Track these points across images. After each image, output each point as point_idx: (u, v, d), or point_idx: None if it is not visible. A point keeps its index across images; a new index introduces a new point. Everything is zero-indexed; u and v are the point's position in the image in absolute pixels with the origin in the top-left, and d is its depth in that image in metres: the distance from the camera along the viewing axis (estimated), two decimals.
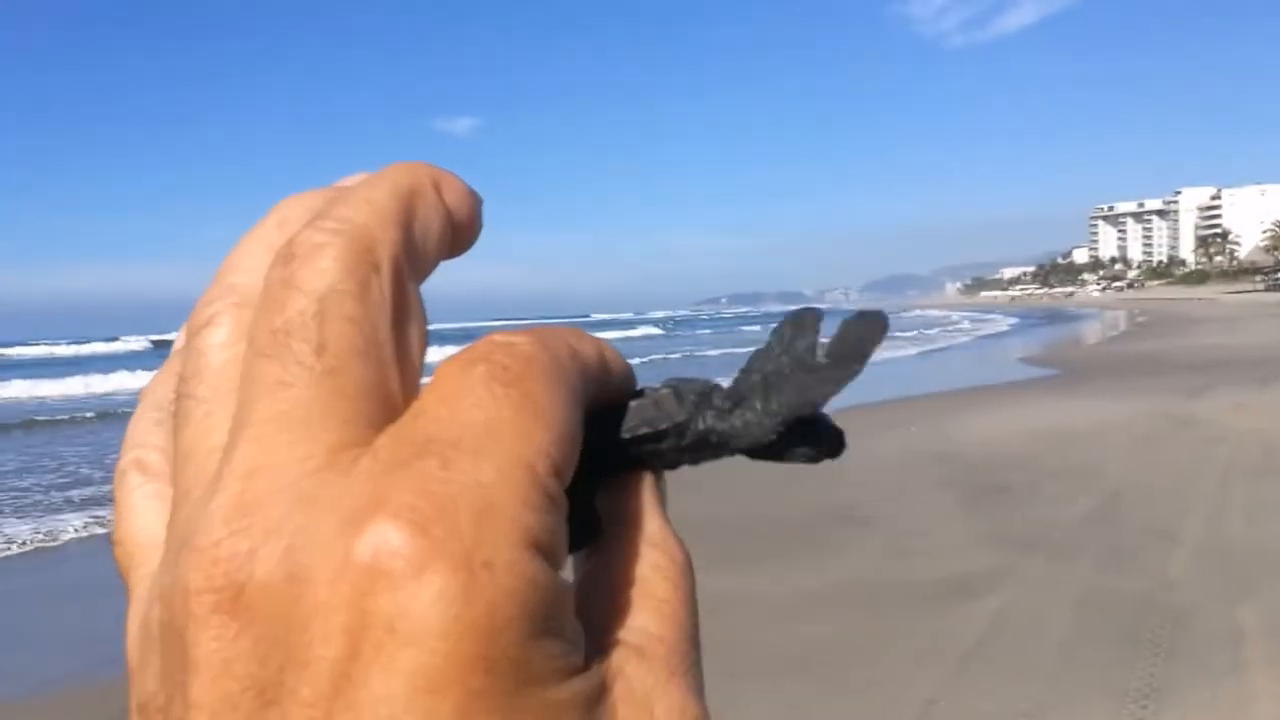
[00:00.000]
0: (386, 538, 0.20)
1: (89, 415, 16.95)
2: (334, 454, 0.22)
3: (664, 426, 0.28)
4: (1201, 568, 5.17)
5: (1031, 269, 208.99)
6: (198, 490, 0.23)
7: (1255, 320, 34.94)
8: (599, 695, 0.22)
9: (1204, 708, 3.57)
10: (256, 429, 0.22)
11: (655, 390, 0.29)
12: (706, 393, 0.28)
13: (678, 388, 0.29)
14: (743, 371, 0.28)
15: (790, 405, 0.26)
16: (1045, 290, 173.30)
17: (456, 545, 0.20)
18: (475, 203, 0.29)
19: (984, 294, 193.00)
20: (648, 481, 0.28)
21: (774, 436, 0.27)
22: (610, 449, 0.27)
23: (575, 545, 0.29)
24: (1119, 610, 4.62)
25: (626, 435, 0.27)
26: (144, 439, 0.28)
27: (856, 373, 0.26)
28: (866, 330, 0.26)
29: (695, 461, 0.29)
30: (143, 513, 0.27)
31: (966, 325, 46.49)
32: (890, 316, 0.27)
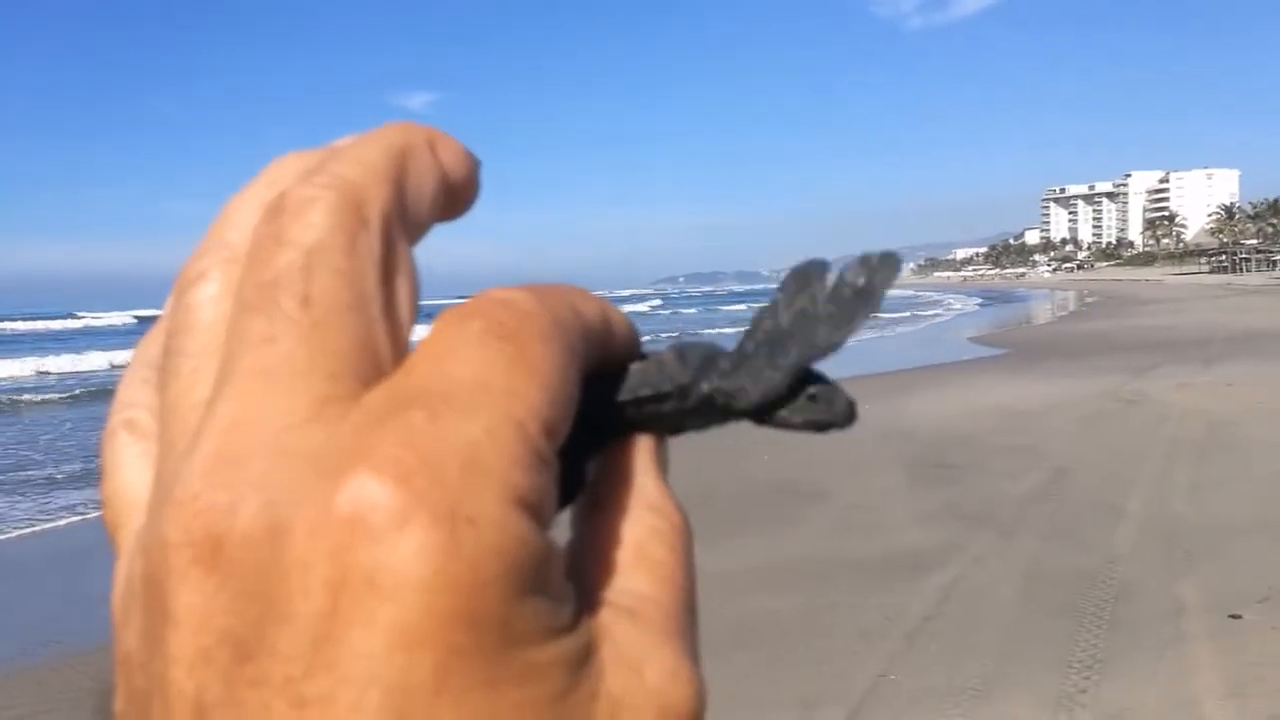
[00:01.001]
0: (367, 490, 0.20)
1: None
2: (318, 408, 0.22)
3: (666, 389, 0.27)
4: (1145, 543, 5.30)
5: (984, 250, 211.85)
6: (180, 444, 0.23)
7: (1199, 301, 35.82)
8: (585, 656, 0.22)
9: (1145, 680, 3.67)
10: (240, 383, 0.22)
11: (659, 353, 0.29)
12: (712, 355, 0.28)
13: (681, 349, 0.28)
14: (747, 332, 0.27)
15: (800, 354, 0.26)
16: (997, 271, 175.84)
17: (440, 499, 0.20)
18: (472, 164, 0.28)
19: (937, 274, 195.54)
20: (648, 445, 0.28)
21: (784, 390, 0.27)
22: (610, 411, 0.27)
23: (559, 506, 0.29)
24: (1065, 584, 4.72)
25: (626, 397, 0.27)
26: (134, 398, 0.28)
27: (868, 314, 0.25)
28: (878, 269, 0.25)
29: (701, 427, 0.29)
30: (130, 472, 0.27)
31: (956, 305, 47.47)
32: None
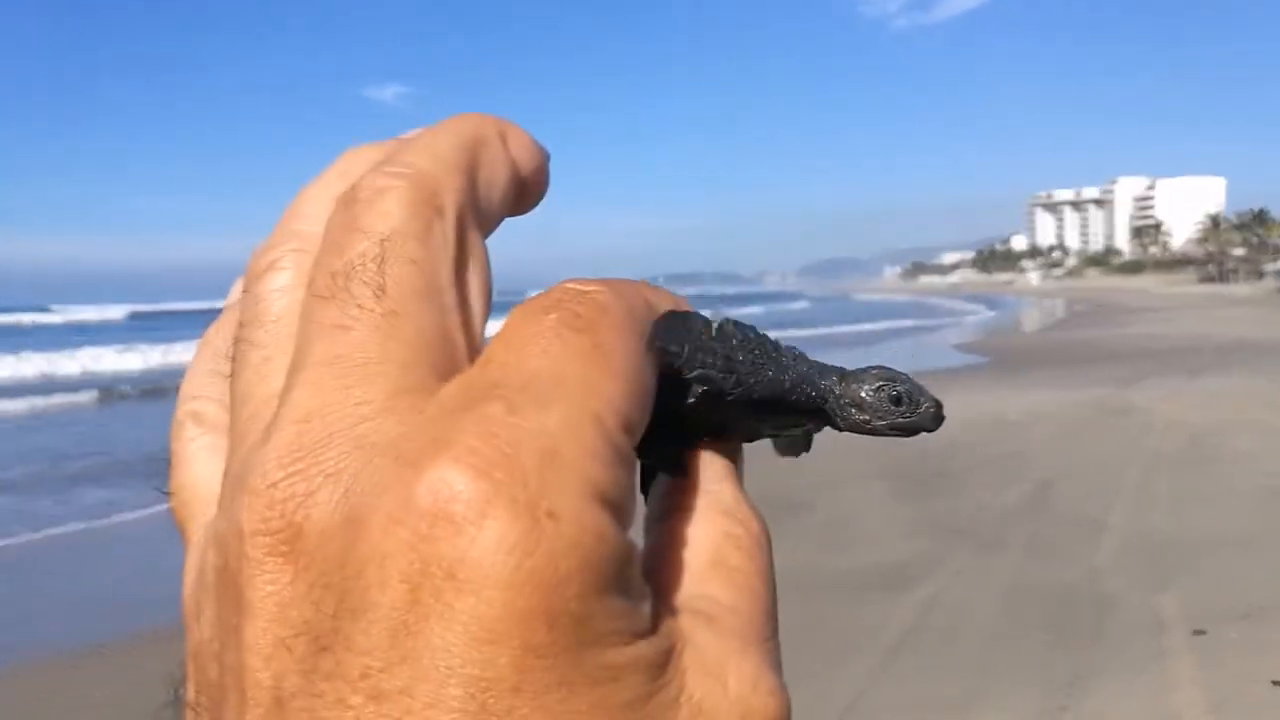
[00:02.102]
0: (447, 480, 0.20)
1: None
2: (392, 398, 0.22)
3: (732, 389, 0.27)
4: (1127, 556, 5.33)
5: (971, 254, 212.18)
6: (253, 435, 0.23)
7: (1186, 311, 35.97)
8: (664, 661, 0.21)
9: (1126, 696, 3.70)
10: (313, 372, 0.22)
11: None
12: (771, 348, 0.28)
13: (756, 348, 0.28)
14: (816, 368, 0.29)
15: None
16: (986, 277, 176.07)
17: (520, 492, 0.20)
18: (542, 157, 0.28)
19: (924, 279, 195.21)
20: (724, 450, 0.28)
21: (861, 393, 0.28)
22: (685, 412, 0.27)
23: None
24: (1047, 599, 4.75)
25: (695, 399, 0.27)
26: (201, 390, 0.28)
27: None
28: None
29: (776, 432, 0.30)
30: (199, 464, 0.27)
31: (981, 309, 47.55)
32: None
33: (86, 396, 14.91)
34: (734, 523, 0.26)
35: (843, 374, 0.30)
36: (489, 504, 0.19)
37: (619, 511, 0.21)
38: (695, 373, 0.26)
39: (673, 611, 0.23)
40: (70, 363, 21.46)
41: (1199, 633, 4.21)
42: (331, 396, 0.22)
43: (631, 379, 0.23)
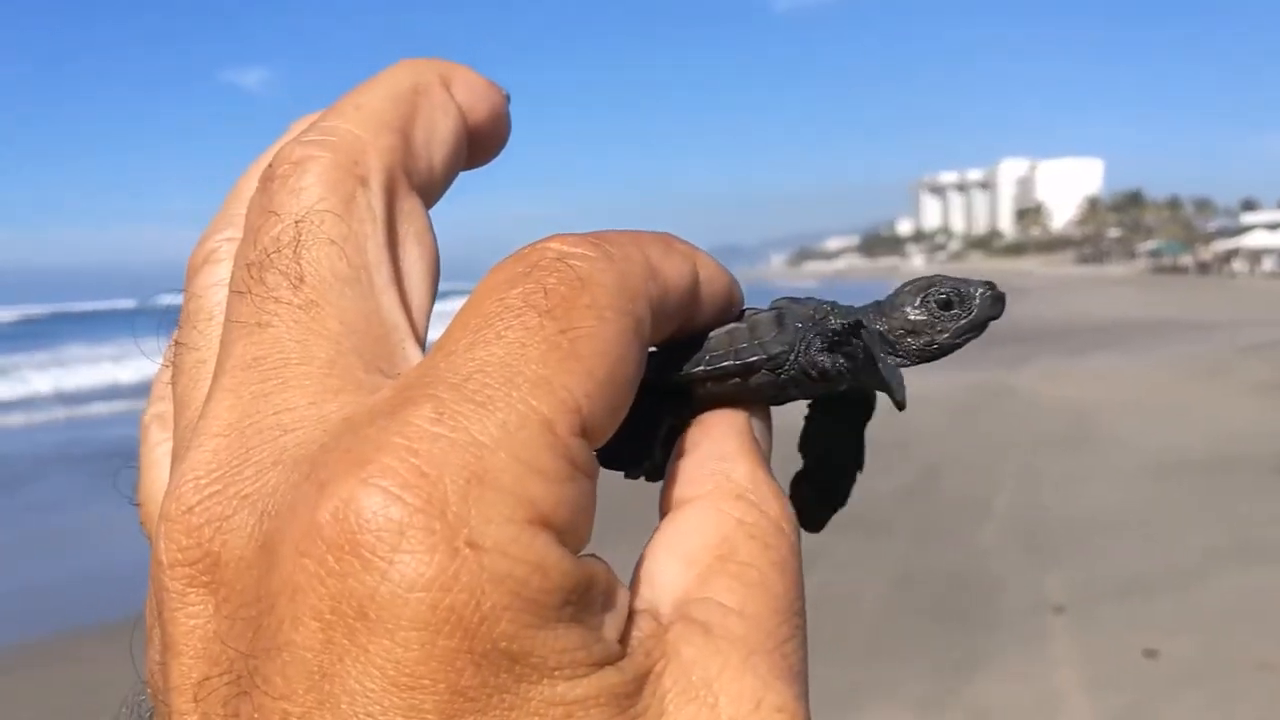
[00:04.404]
0: (355, 506, 0.18)
1: None
2: (316, 402, 0.20)
3: (753, 359, 0.25)
4: (1012, 538, 5.55)
5: (856, 240, 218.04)
6: (182, 448, 0.22)
7: (1065, 292, 37.77)
8: (637, 688, 0.20)
9: (1011, 677, 3.84)
10: (231, 378, 0.21)
11: (756, 314, 0.26)
12: (821, 316, 0.26)
13: (781, 313, 0.26)
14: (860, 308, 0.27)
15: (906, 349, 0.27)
16: (870, 262, 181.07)
17: (437, 520, 0.18)
18: (497, 98, 0.26)
19: (809, 265, 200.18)
20: (736, 423, 0.26)
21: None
22: (693, 384, 0.25)
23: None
24: (935, 584, 4.90)
25: (700, 370, 0.25)
26: (166, 391, 0.26)
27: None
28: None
29: (806, 395, 0.27)
30: (161, 471, 0.25)
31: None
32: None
33: None
34: (747, 507, 0.24)
35: (878, 307, 0.27)
36: (401, 534, 0.18)
37: (565, 531, 0.19)
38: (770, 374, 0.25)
39: (665, 623, 0.21)
40: None
41: (1074, 609, 4.39)
42: (250, 405, 0.20)
43: (604, 370, 0.20)
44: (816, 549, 5.60)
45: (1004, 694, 3.73)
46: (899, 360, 0.27)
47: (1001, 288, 0.28)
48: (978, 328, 0.27)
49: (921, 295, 0.27)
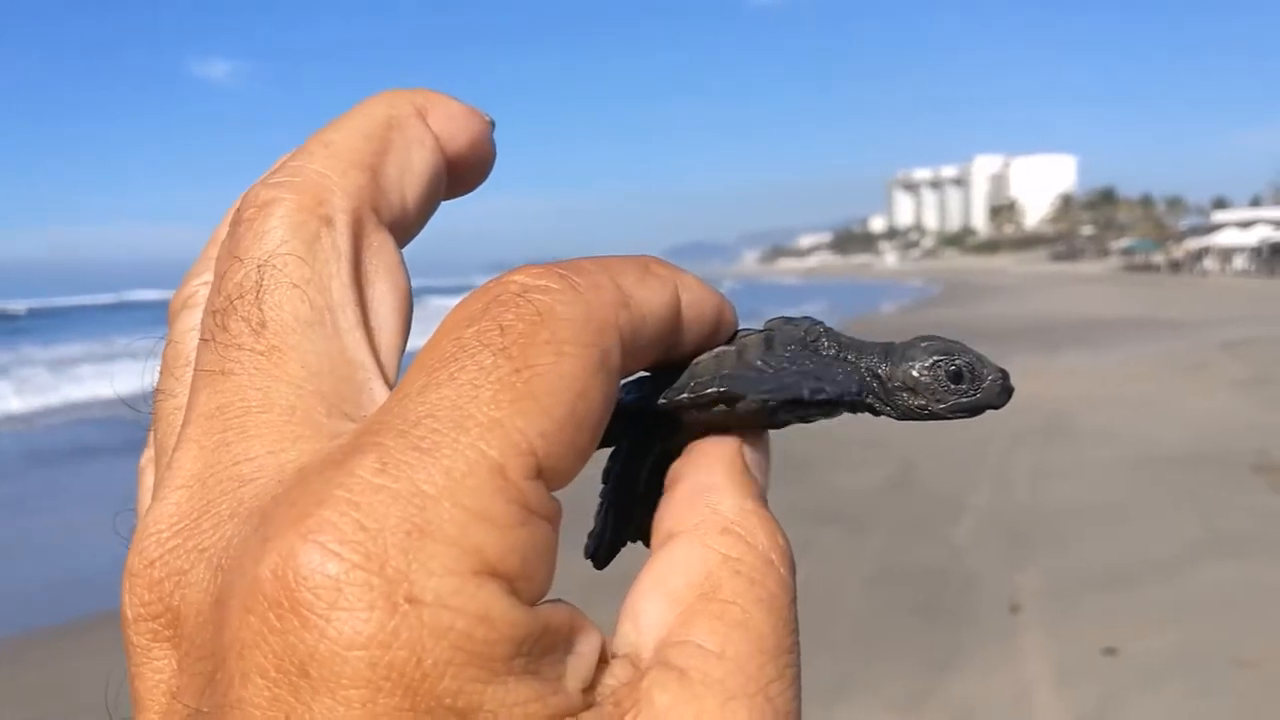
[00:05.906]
0: (294, 563, 0.18)
1: None
2: (275, 451, 0.20)
3: (737, 389, 0.24)
4: (989, 535, 5.59)
5: (829, 237, 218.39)
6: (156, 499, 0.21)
7: (1039, 289, 38.06)
8: None
9: (987, 674, 3.87)
10: (196, 427, 0.21)
11: (745, 337, 0.26)
12: (811, 339, 0.26)
13: (770, 336, 0.26)
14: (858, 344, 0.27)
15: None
16: (844, 260, 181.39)
17: (375, 575, 0.18)
18: (478, 126, 0.26)
19: (782, 262, 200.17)
20: (726, 452, 0.25)
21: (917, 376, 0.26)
22: (679, 411, 0.25)
23: (631, 537, 0.26)
24: (912, 581, 4.93)
25: (681, 399, 0.24)
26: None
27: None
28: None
29: (803, 419, 0.27)
30: None
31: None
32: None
33: None
34: (733, 541, 0.23)
35: (887, 350, 0.27)
36: (338, 591, 0.18)
37: (519, 579, 0.19)
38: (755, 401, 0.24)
39: (641, 667, 0.21)
40: None
41: (1051, 605, 4.44)
42: (212, 456, 0.20)
43: (562, 408, 0.20)
44: (798, 545, 5.57)
45: (980, 690, 3.76)
46: (885, 411, 0.27)
47: (1012, 380, 0.27)
48: (974, 411, 0.27)
49: (934, 359, 0.27)
